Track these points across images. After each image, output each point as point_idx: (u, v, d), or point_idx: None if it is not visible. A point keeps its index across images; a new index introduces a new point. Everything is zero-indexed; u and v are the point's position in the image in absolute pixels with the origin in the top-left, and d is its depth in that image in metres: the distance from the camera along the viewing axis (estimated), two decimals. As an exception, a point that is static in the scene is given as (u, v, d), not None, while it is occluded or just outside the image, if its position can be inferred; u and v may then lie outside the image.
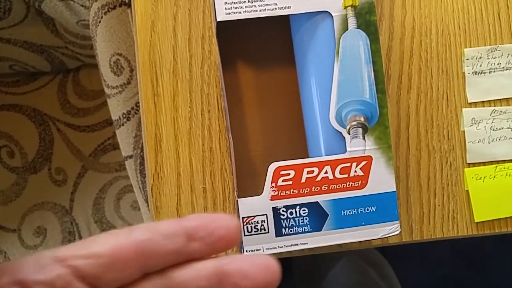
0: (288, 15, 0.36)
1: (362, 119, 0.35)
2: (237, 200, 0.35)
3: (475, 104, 0.45)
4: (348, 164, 0.35)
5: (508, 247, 1.21)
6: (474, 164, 0.45)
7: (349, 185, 0.35)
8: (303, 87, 0.39)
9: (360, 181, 0.35)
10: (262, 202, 0.35)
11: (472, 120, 0.44)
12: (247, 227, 0.35)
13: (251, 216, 0.35)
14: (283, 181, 0.35)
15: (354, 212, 0.35)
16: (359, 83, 0.35)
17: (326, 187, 0.35)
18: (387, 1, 0.44)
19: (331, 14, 0.35)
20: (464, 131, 0.44)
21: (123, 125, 0.54)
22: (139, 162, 0.54)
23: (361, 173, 0.35)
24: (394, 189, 0.36)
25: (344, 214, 0.35)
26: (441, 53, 0.44)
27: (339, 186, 0.35)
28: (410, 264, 0.64)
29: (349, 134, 0.35)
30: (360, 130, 0.35)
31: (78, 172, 0.81)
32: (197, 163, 0.42)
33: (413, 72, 0.44)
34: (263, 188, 0.35)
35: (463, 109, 0.44)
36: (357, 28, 0.35)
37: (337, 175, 0.35)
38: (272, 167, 0.35)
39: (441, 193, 0.44)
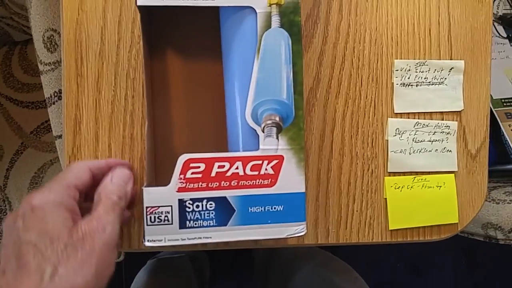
0: (218, 7, 0.36)
1: (277, 118, 0.35)
2: (142, 189, 0.34)
3: (400, 115, 0.46)
4: (260, 162, 0.35)
5: (450, 256, 1.25)
6: (394, 174, 0.46)
7: (258, 182, 0.35)
8: (227, 82, 0.39)
9: (269, 180, 0.35)
10: (168, 193, 0.34)
11: (396, 130, 0.45)
12: (150, 217, 0.34)
13: (155, 206, 0.34)
14: (192, 173, 0.34)
15: (261, 210, 0.35)
16: (277, 82, 0.35)
17: (236, 183, 0.35)
18: (324, 5, 0.44)
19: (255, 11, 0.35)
20: (387, 140, 0.45)
21: (54, 103, 0.53)
22: (68, 143, 0.53)
23: (271, 172, 0.35)
24: (303, 191, 0.36)
25: (251, 211, 0.35)
26: (372, 62, 0.45)
27: (248, 182, 0.35)
28: (358, 269, 0.65)
29: (263, 132, 0.35)
30: (274, 129, 0.35)
31: (16, 149, 0.78)
32: (116, 148, 0.41)
33: (343, 77, 0.45)
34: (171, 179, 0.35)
35: (389, 119, 0.45)
36: (280, 27, 0.35)
37: (248, 171, 0.35)
38: (182, 159, 0.34)
39: (360, 199, 0.45)
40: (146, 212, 0.34)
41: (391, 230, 0.45)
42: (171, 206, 0.34)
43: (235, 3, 0.34)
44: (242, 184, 0.35)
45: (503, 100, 0.73)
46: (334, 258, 0.69)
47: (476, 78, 0.46)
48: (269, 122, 0.35)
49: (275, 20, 0.35)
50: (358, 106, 0.45)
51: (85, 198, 0.35)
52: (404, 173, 0.46)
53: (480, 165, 0.46)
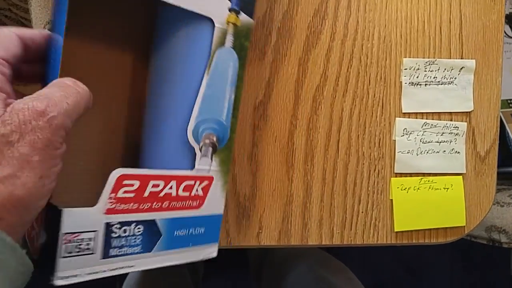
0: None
1: (215, 139, 0.34)
2: (62, 210, 0.27)
3: (408, 114, 0.45)
4: (193, 182, 0.33)
5: (446, 257, 1.25)
6: (401, 174, 0.45)
7: (187, 204, 0.33)
8: (162, 90, 0.36)
9: (198, 201, 0.34)
10: (95, 216, 0.28)
11: (404, 130, 0.44)
12: (67, 247, 0.27)
13: (77, 233, 0.28)
14: (124, 192, 0.30)
15: (185, 233, 0.34)
16: (221, 102, 0.34)
17: (167, 204, 0.32)
18: (332, 0, 0.43)
19: (212, 24, 0.33)
20: (395, 140, 0.44)
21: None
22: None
23: (200, 193, 0.34)
24: (221, 212, 0.35)
25: (176, 234, 0.33)
26: (381, 60, 0.44)
27: (179, 204, 0.33)
28: (352, 269, 0.64)
29: (200, 151, 0.33)
30: (210, 149, 0.33)
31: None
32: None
33: (351, 75, 0.43)
34: (99, 199, 0.29)
35: (397, 119, 0.44)
36: (232, 48, 0.34)
37: (180, 192, 0.33)
38: (115, 174, 0.29)
39: (366, 200, 0.44)
40: (64, 240, 0.27)
41: (396, 232, 0.45)
42: (96, 231, 0.28)
43: (195, 8, 0.32)
44: (173, 205, 0.33)
45: (509, 101, 0.72)
46: (329, 257, 0.68)
47: (487, 78, 0.45)
48: (207, 141, 0.33)
49: (229, 40, 0.33)
50: (365, 105, 0.44)
51: (17, 76, 0.28)
52: (411, 174, 0.45)
53: (489, 167, 0.45)
